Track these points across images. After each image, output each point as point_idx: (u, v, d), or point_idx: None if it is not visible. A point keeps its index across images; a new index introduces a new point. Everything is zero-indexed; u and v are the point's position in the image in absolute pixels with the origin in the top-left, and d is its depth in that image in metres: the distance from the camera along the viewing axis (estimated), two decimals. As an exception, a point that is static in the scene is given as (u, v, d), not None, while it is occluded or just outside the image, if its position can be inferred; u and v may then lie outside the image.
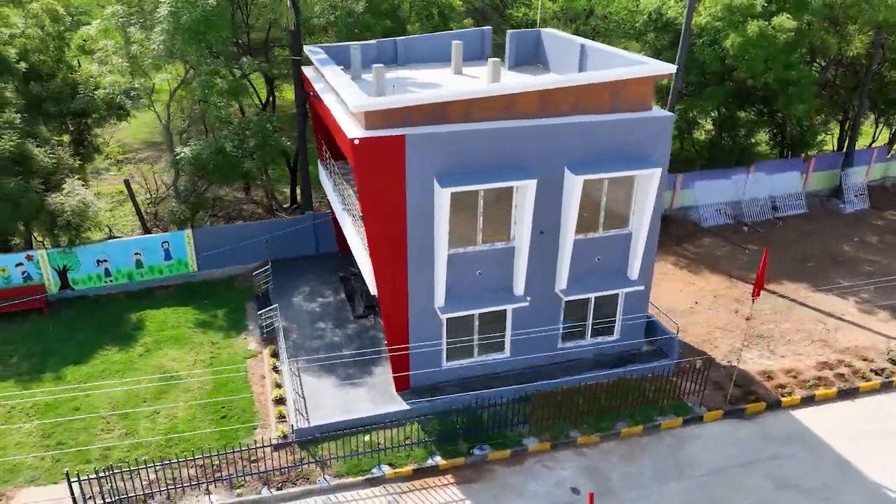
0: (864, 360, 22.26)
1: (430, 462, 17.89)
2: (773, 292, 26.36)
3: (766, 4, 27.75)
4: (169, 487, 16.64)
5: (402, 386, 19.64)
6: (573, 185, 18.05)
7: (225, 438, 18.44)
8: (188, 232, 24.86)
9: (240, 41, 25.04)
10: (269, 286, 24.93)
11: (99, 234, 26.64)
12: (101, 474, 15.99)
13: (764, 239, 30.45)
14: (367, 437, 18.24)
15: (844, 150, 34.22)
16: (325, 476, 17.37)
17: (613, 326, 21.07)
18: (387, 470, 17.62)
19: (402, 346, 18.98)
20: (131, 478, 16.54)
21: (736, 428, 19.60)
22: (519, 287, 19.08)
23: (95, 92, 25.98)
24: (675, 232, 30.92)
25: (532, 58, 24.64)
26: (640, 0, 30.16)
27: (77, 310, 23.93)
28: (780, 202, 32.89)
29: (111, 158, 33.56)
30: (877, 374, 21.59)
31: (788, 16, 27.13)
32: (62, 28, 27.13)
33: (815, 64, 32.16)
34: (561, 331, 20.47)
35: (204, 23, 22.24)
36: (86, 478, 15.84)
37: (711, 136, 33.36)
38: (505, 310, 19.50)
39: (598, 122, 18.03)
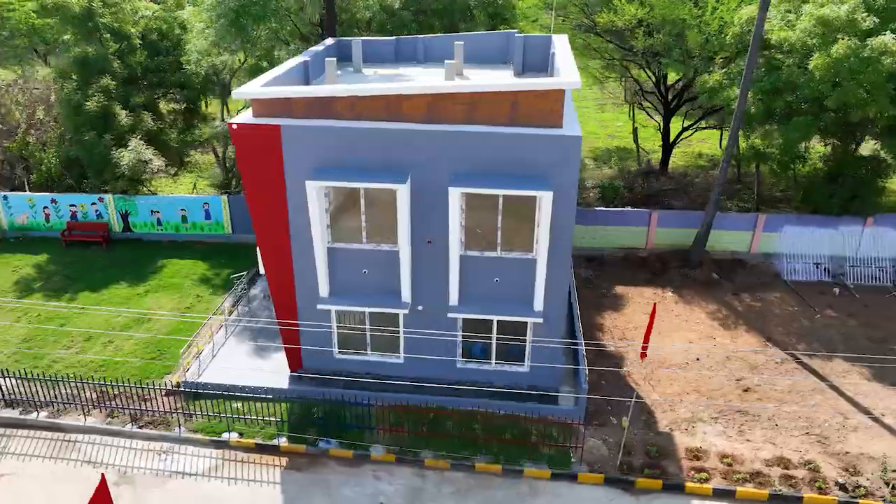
0: (847, 470, 17.76)
1: (274, 441, 18.54)
2: (811, 369, 21.85)
3: (877, 20, 22.65)
4: (57, 401, 19.51)
5: (295, 366, 20.39)
6: (453, 197, 17.17)
7: (142, 375, 20.90)
8: (224, 197, 27.90)
9: (284, 28, 27.10)
10: (275, 257, 26.99)
11: (183, 188, 30.93)
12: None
13: (854, 307, 25.02)
14: (235, 405, 19.42)
15: None
16: (182, 427, 18.97)
17: (522, 357, 19.45)
18: (234, 437, 18.67)
19: (293, 328, 19.72)
20: (30, 385, 19.60)
21: (611, 499, 17.12)
22: (405, 293, 18.65)
23: (188, 67, 30.15)
24: (740, 280, 26.74)
25: (542, 64, 23.22)
26: (738, 13, 26.28)
27: (129, 249, 28.34)
28: (909, 268, 26.67)
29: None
30: (843, 489, 17.11)
31: (896, 36, 21.93)
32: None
33: None
34: (459, 348, 19.51)
35: (242, 12, 24.67)
36: (-12, 374, 19.39)
37: (815, 173, 27.95)
38: (396, 313, 19.18)
39: (485, 133, 16.82)
